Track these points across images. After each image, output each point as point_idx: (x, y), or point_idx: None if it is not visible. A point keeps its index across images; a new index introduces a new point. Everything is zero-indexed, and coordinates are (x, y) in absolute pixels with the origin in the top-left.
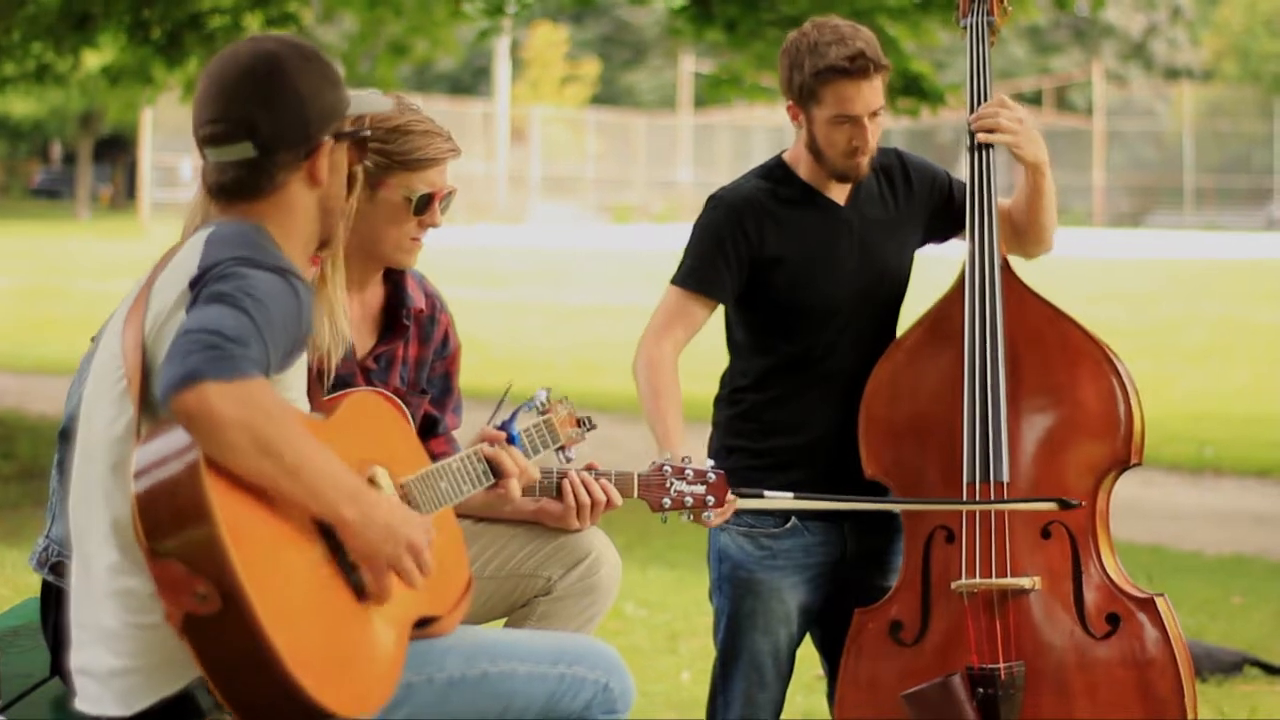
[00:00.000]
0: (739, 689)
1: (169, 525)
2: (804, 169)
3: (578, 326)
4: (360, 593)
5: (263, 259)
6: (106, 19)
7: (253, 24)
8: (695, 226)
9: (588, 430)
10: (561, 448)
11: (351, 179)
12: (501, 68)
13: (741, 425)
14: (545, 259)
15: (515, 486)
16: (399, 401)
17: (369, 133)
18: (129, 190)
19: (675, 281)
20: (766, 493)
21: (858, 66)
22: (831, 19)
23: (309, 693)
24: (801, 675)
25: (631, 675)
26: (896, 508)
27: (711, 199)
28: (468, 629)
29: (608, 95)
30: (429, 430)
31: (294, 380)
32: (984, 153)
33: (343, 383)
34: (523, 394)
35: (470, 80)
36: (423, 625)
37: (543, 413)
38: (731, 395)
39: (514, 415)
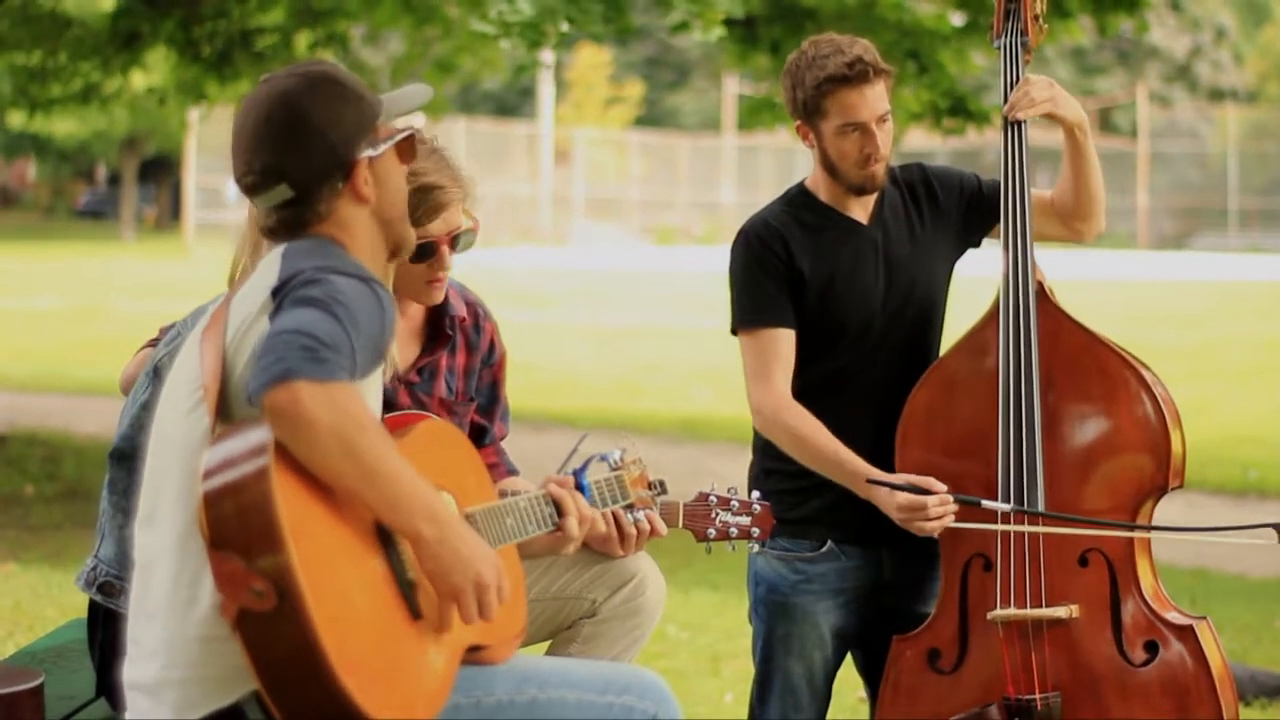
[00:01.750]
0: (775, 712)
1: (233, 521)
2: (824, 191)
3: (621, 348)
4: (415, 613)
5: (345, 267)
6: (155, 37)
7: (301, 43)
8: (733, 267)
9: (658, 495)
10: (630, 506)
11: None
12: (545, 89)
13: (776, 449)
14: (588, 280)
15: (575, 529)
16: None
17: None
18: (174, 211)
19: (743, 328)
20: (985, 502)
21: (857, 72)
22: (828, 34)
23: (354, 698)
24: (846, 698)
25: (679, 705)
26: (1117, 532)
27: (740, 234)
28: (517, 655)
29: (651, 117)
30: (477, 439)
31: (370, 391)
32: (1016, 131)
33: (385, 398)
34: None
35: (515, 101)
36: (473, 650)
37: (615, 469)
38: None
39: (586, 464)
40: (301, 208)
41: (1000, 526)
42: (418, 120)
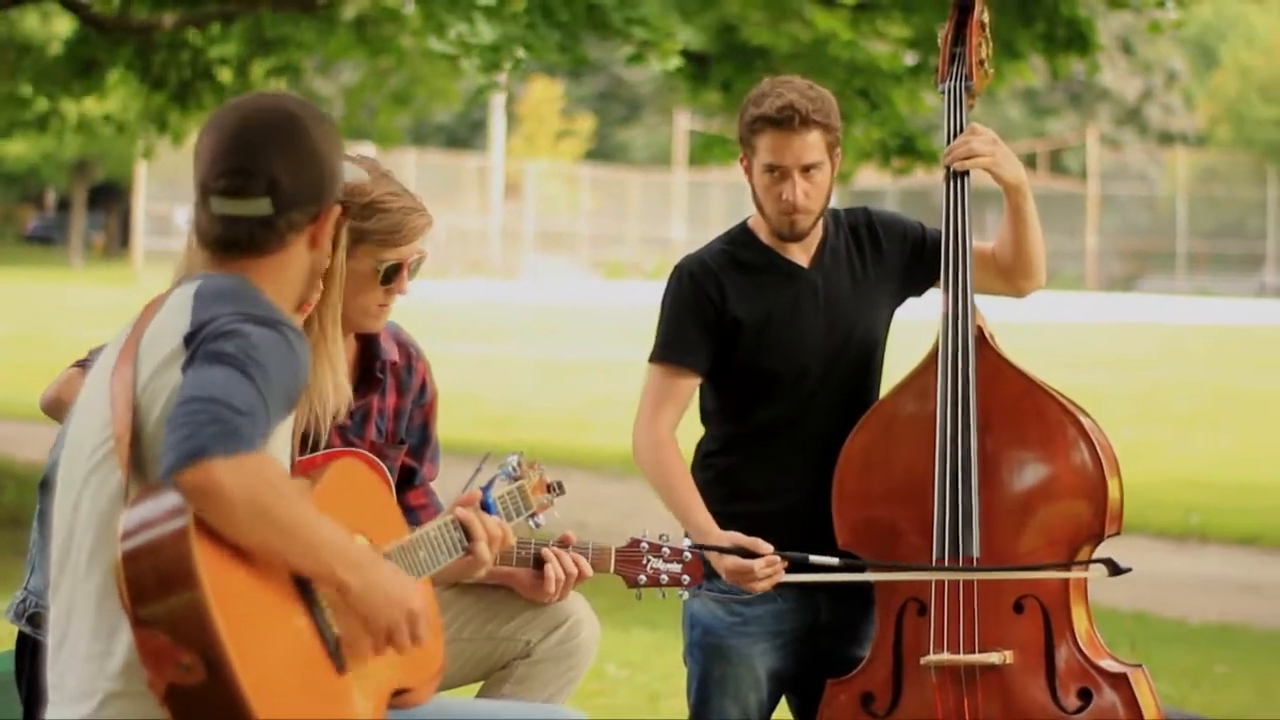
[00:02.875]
0: None
1: (154, 590)
2: (764, 232)
3: (570, 382)
4: (341, 667)
5: (258, 313)
6: (112, 65)
7: (256, 72)
8: (664, 299)
9: (557, 495)
10: (532, 514)
11: (336, 243)
12: (497, 122)
13: (714, 490)
14: (538, 314)
15: (486, 553)
16: (380, 465)
17: (348, 203)
18: (123, 238)
19: (654, 359)
20: (812, 558)
21: (784, 116)
22: (793, 77)
23: None
24: None
25: None
26: (930, 576)
27: (676, 269)
28: (441, 698)
29: (602, 151)
30: (407, 481)
31: (282, 437)
32: (959, 182)
33: (314, 440)
34: (503, 452)
35: (466, 134)
36: (396, 695)
37: (515, 479)
38: (704, 460)
39: (491, 482)
40: (269, 230)
41: (931, 575)
42: (367, 149)
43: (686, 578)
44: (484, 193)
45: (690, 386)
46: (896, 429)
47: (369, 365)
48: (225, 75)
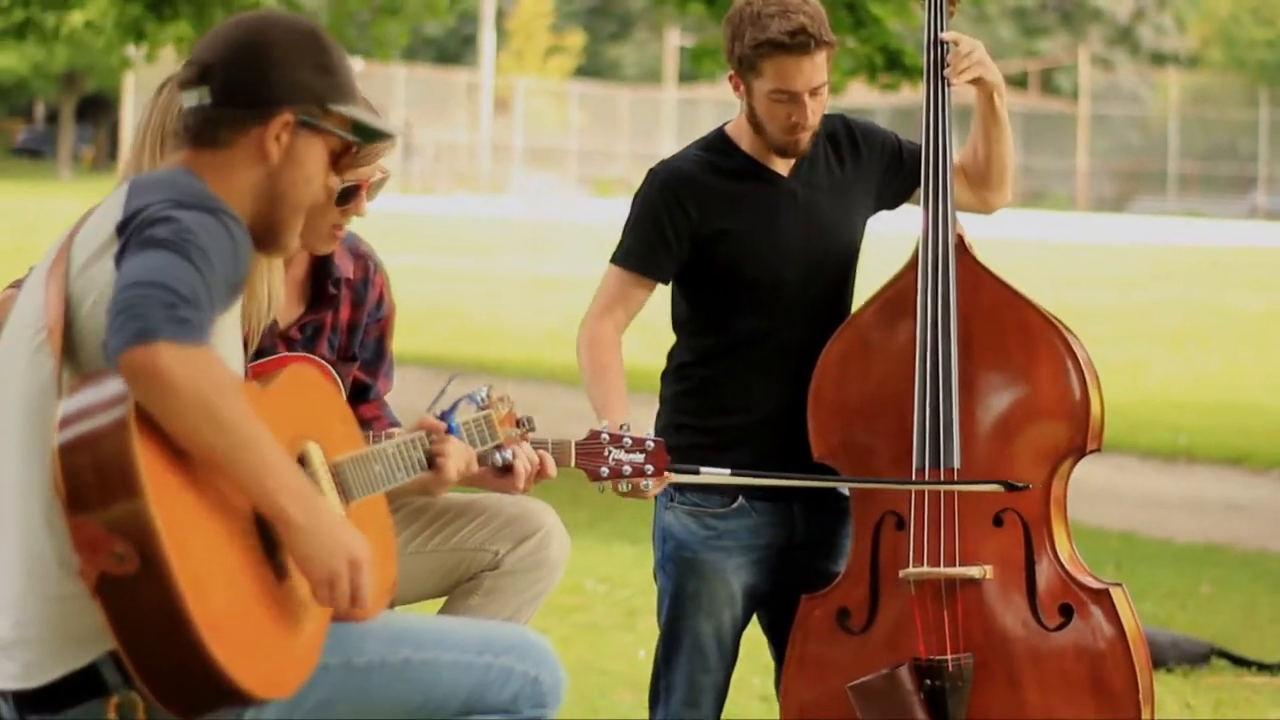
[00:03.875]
0: (682, 672)
1: (91, 480)
2: (746, 141)
3: (555, 298)
4: (281, 572)
5: (192, 199)
6: None
7: None
8: (634, 201)
9: (527, 431)
10: (499, 446)
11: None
12: (487, 38)
13: (688, 402)
14: (525, 229)
15: (451, 470)
16: (334, 373)
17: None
18: (111, 151)
19: (614, 260)
20: (703, 469)
21: (798, 42)
22: None
23: (221, 666)
24: (760, 657)
25: (561, 665)
26: (839, 484)
27: (650, 173)
28: (392, 614)
29: (592, 68)
30: (359, 395)
31: (227, 337)
32: (943, 92)
33: (262, 354)
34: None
35: (456, 49)
36: None
37: (482, 408)
38: (678, 371)
39: (454, 406)
40: (209, 120)
41: (905, 484)
42: (355, 63)
43: (650, 468)
44: (473, 108)
45: (645, 295)
46: (874, 338)
47: (321, 281)
48: None
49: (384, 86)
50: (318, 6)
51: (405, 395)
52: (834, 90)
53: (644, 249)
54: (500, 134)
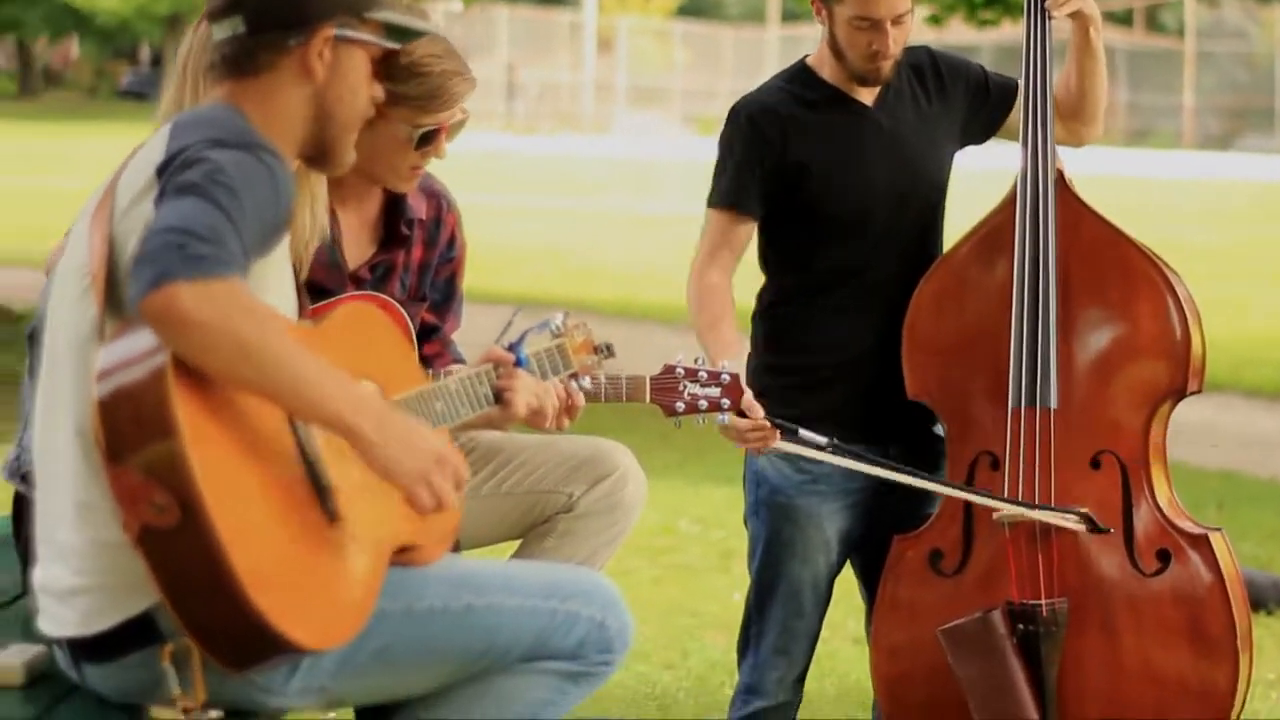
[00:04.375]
0: (775, 618)
1: (130, 431)
2: (828, 71)
3: (657, 237)
4: (332, 515)
5: (231, 137)
6: None
7: None
8: (720, 142)
9: (605, 358)
10: (574, 375)
11: (374, 97)
12: None
13: (778, 343)
14: (629, 169)
15: (520, 404)
16: (400, 310)
17: (394, 48)
18: None
19: (710, 204)
20: (802, 431)
21: None
22: None
23: (267, 617)
24: (855, 599)
25: (628, 609)
26: (932, 487)
27: (732, 110)
28: (454, 558)
29: (695, 6)
30: (425, 336)
31: (275, 279)
32: (1043, 25)
33: (330, 295)
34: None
35: None
36: (401, 552)
37: (556, 336)
38: (767, 311)
39: (523, 337)
40: (242, 50)
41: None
42: (455, 4)
43: (726, 401)
44: (576, 48)
45: (747, 232)
46: (970, 275)
47: (394, 221)
48: None
49: (486, 28)
50: None
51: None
52: (935, 24)
53: (735, 186)
54: (603, 73)
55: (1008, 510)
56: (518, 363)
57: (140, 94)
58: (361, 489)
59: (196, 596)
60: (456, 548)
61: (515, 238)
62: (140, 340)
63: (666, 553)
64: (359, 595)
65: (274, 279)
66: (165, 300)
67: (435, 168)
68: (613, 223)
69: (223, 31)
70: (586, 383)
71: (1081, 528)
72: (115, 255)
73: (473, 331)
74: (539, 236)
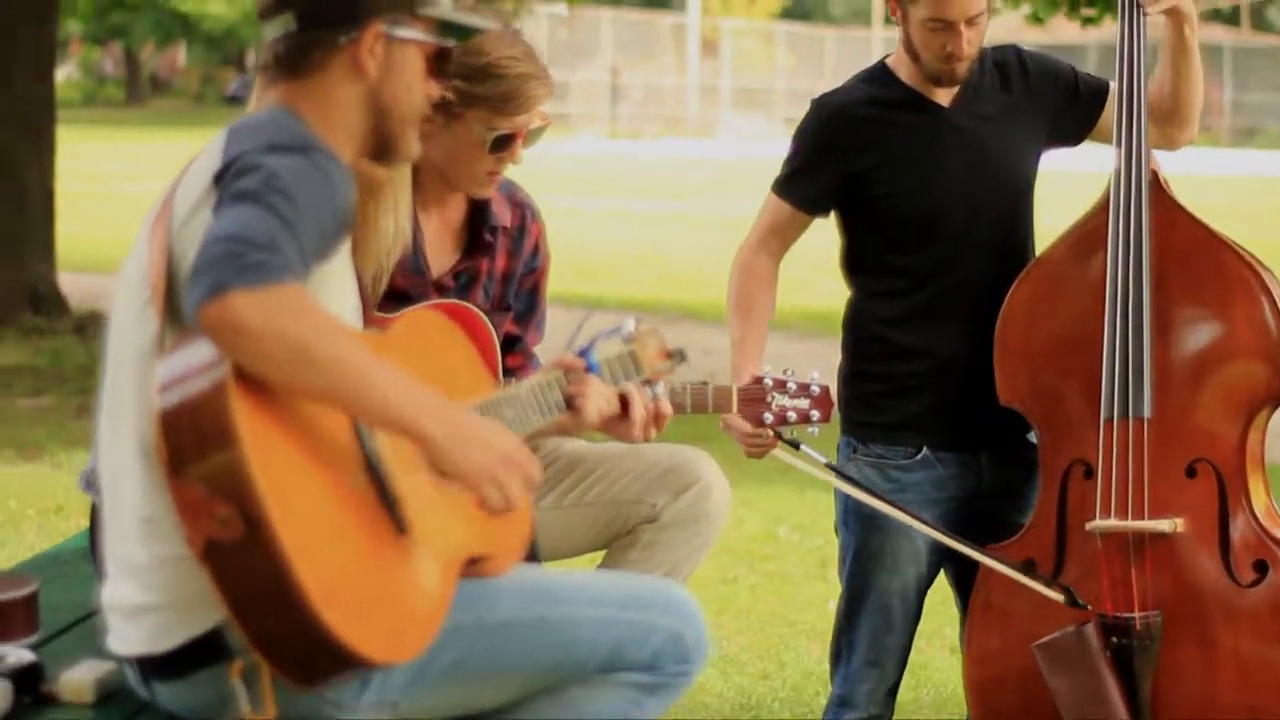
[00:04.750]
0: (865, 630)
1: (191, 443)
2: (905, 71)
3: None
4: (401, 527)
5: (286, 141)
6: None
7: None
8: (795, 133)
9: (678, 364)
10: (647, 381)
11: (429, 94)
12: None
13: (866, 349)
14: (734, 172)
15: (591, 410)
16: (477, 315)
17: (448, 45)
18: None
19: (773, 189)
20: (804, 447)
21: None
22: None
23: (335, 631)
24: (953, 609)
25: (703, 621)
26: (962, 549)
27: (813, 104)
28: (527, 568)
29: (799, 8)
30: (508, 347)
31: (337, 286)
32: (1138, 23)
33: (414, 303)
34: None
35: None
36: (473, 563)
37: (628, 342)
38: (853, 317)
39: (593, 343)
40: (295, 49)
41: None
42: (559, 7)
43: (815, 413)
44: (680, 51)
45: (801, 225)
46: (1064, 279)
47: (478, 228)
48: None
49: (590, 31)
50: None
51: None
52: (1037, 22)
53: (799, 180)
54: (707, 76)
55: (1099, 522)
56: (588, 368)
57: (246, 100)
58: (431, 499)
59: (263, 611)
60: (535, 557)
61: (619, 242)
62: (200, 351)
63: (766, 560)
64: (429, 608)
65: (335, 286)
66: (222, 310)
67: (538, 171)
68: (717, 226)
69: (274, 30)
70: (659, 389)
71: (1060, 598)
72: (174, 267)
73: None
74: (643, 241)
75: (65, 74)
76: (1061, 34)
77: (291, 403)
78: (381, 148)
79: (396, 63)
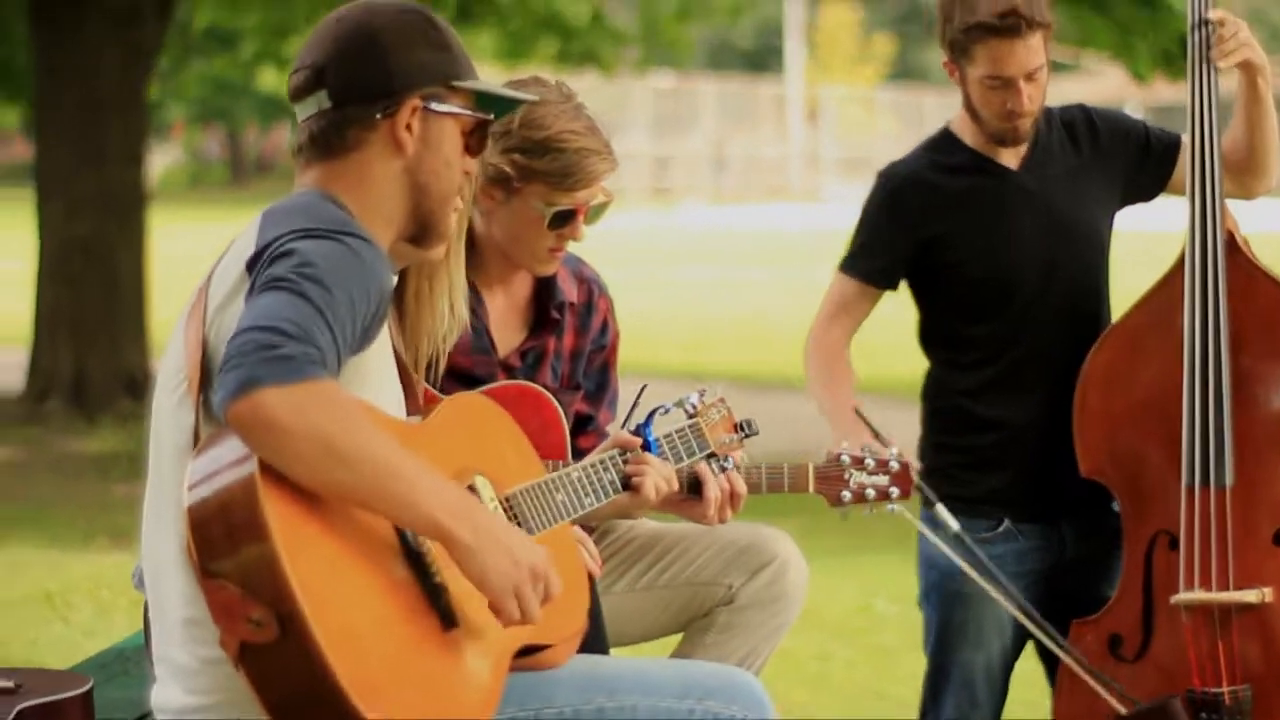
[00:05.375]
0: (950, 706)
1: (222, 541)
2: (969, 135)
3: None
4: (449, 621)
5: (320, 226)
6: None
7: None
8: (863, 207)
9: (747, 437)
10: (712, 455)
11: (466, 170)
12: (794, 47)
13: (944, 421)
14: (839, 238)
15: (650, 490)
16: (544, 395)
17: (487, 119)
18: None
19: (840, 267)
20: (939, 506)
21: (1008, 24)
22: None
23: None
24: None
25: (774, 709)
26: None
27: (878, 176)
28: (581, 659)
29: (904, 72)
30: (580, 427)
31: (376, 373)
32: (1209, 77)
33: (481, 383)
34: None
35: (764, 58)
36: (526, 654)
37: (691, 415)
38: (932, 389)
39: (650, 417)
40: (329, 127)
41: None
42: (666, 75)
43: (895, 490)
44: (782, 118)
45: (870, 301)
46: (1141, 344)
47: (544, 306)
48: None
49: (691, 100)
50: (629, 27)
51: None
52: (1139, 80)
53: (867, 255)
54: (810, 143)
55: (1184, 595)
56: (646, 446)
57: None
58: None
59: (303, 713)
60: (600, 642)
61: (721, 312)
62: (229, 448)
63: (862, 633)
64: (479, 702)
65: (374, 373)
66: (250, 407)
67: (641, 243)
68: (820, 293)
69: (307, 110)
70: (729, 462)
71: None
72: (209, 358)
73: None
74: (745, 310)
75: (171, 158)
76: (1161, 95)
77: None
78: (420, 229)
79: (434, 137)
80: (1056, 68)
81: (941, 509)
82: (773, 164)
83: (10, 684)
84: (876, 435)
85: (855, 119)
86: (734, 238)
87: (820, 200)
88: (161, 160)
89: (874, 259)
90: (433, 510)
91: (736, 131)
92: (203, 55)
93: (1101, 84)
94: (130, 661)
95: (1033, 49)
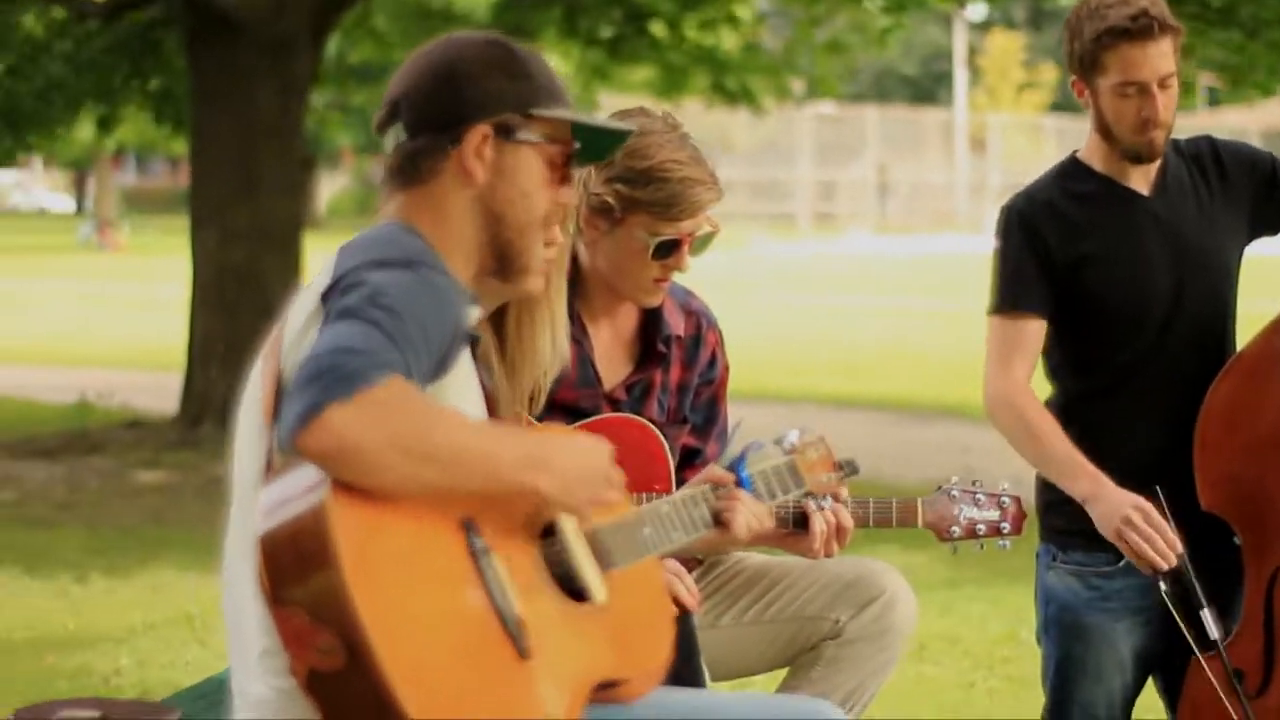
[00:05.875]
0: None
1: (291, 569)
2: (1099, 160)
3: None
4: (523, 653)
5: (393, 256)
6: (542, 28)
7: (690, 23)
8: (995, 244)
9: (847, 476)
10: (807, 494)
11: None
12: (960, 75)
13: None
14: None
15: (741, 527)
16: (649, 428)
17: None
18: None
19: (992, 312)
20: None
21: (1140, 25)
22: None
23: None
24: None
25: None
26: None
27: (1003, 209)
28: (664, 690)
29: (1068, 101)
30: (686, 460)
31: (453, 393)
32: None
33: (586, 416)
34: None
35: (930, 87)
36: (605, 687)
37: (789, 453)
38: (1055, 418)
39: (743, 455)
40: (408, 156)
41: None
42: (827, 107)
43: (1006, 525)
44: (947, 146)
45: (1037, 332)
46: (1265, 375)
47: (651, 338)
48: (659, 29)
49: (856, 128)
50: (774, 41)
51: (870, 441)
52: (1264, 92)
53: (1016, 287)
54: (975, 172)
55: None
56: (739, 483)
57: None
58: (555, 621)
59: None
60: (694, 673)
61: (883, 339)
62: (299, 476)
63: (1006, 663)
64: None
65: (453, 399)
66: (319, 433)
67: (807, 270)
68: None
69: (389, 141)
70: (826, 502)
71: None
72: (283, 389)
73: (839, 439)
74: (907, 338)
75: (339, 185)
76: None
77: (399, 524)
78: (499, 260)
79: (509, 167)
80: (1214, 98)
81: (1207, 615)
82: (938, 191)
83: (96, 714)
84: None
85: (1021, 147)
86: (898, 265)
87: (984, 231)
88: (330, 187)
89: (1023, 288)
90: (518, 475)
91: (901, 159)
92: (363, 85)
93: (1265, 114)
94: (210, 695)
95: (1164, 54)
